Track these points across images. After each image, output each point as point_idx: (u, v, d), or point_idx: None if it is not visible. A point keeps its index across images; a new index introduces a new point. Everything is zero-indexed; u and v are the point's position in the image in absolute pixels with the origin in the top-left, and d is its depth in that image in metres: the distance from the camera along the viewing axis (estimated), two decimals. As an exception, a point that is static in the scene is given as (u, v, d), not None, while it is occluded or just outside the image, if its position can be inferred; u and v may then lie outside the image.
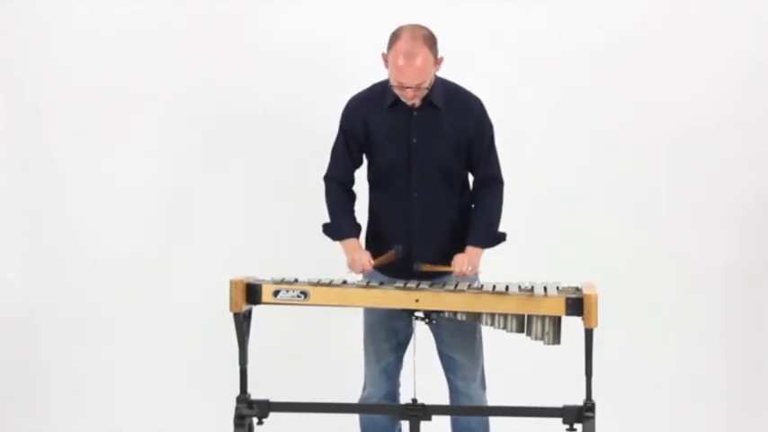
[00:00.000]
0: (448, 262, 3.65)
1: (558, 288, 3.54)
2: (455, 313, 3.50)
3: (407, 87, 3.50)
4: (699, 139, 4.71)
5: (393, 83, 3.54)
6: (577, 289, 3.53)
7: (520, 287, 3.53)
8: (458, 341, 3.74)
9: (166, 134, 4.77)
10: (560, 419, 3.50)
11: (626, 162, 4.72)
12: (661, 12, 4.68)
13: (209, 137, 4.77)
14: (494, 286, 3.51)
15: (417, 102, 3.59)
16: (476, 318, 3.49)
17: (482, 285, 3.52)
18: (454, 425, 3.88)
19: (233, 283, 3.55)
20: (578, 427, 3.48)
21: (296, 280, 3.58)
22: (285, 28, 4.74)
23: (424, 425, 3.69)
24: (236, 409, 3.59)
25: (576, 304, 3.42)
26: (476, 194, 3.74)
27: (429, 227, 3.67)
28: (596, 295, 3.40)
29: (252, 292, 3.55)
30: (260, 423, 3.64)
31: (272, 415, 3.62)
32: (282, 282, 3.57)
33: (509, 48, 4.68)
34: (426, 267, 3.61)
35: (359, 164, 3.77)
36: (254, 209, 4.79)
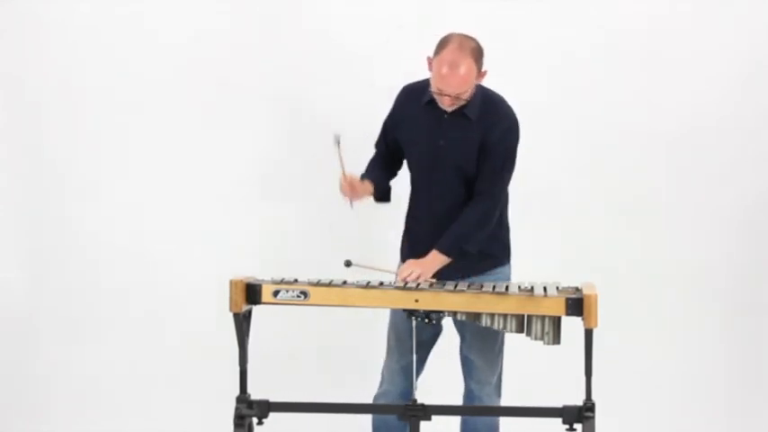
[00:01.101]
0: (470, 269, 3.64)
1: (557, 288, 3.54)
2: (455, 313, 3.50)
3: (447, 95, 3.51)
4: (699, 139, 4.71)
5: (433, 89, 3.55)
6: (577, 289, 3.53)
7: (520, 287, 3.53)
8: (478, 343, 3.73)
9: (166, 134, 4.77)
10: (560, 419, 3.50)
11: (626, 162, 4.72)
12: (661, 12, 4.68)
13: (210, 137, 4.77)
14: (494, 286, 3.51)
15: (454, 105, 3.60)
16: (476, 318, 3.49)
17: (482, 285, 3.53)
18: (463, 427, 3.88)
19: (233, 283, 3.55)
20: (578, 427, 3.48)
21: (296, 280, 3.58)
22: (290, 28, 4.74)
23: (431, 425, 3.72)
24: (236, 409, 3.59)
25: (576, 304, 3.42)
26: (466, 203, 3.66)
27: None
28: (596, 295, 3.40)
29: (252, 292, 3.55)
30: (260, 423, 3.64)
31: (272, 415, 3.62)
32: (282, 282, 3.57)
33: (509, 48, 4.68)
34: (349, 263, 3.58)
35: (393, 146, 3.78)
36: (255, 209, 4.78)
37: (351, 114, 4.66)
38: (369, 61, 4.69)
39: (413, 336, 3.68)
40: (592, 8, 4.69)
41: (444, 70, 3.49)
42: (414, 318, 3.54)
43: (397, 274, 3.58)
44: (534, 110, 4.66)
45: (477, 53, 3.54)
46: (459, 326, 3.74)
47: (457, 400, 3.88)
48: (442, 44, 3.54)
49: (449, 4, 4.65)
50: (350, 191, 3.66)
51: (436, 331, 3.79)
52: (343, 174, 3.64)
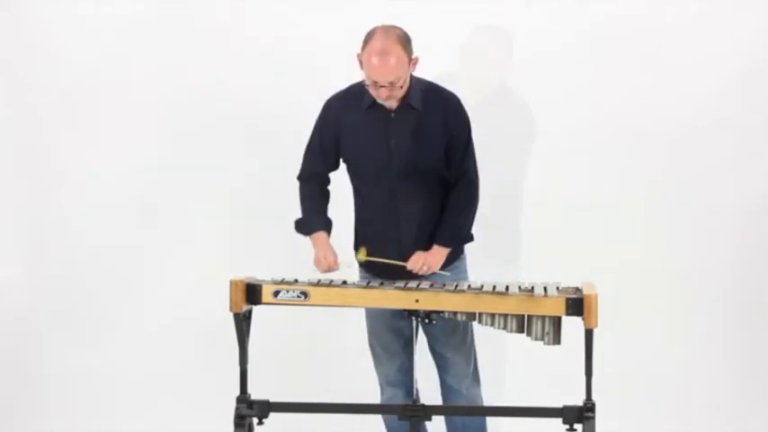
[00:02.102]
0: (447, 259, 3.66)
1: (558, 288, 3.53)
2: (455, 313, 3.50)
3: (381, 86, 3.50)
4: (699, 139, 4.71)
5: (367, 81, 3.54)
6: (577, 289, 3.53)
7: (520, 287, 3.53)
8: (451, 340, 3.73)
9: (166, 134, 4.77)
10: (560, 419, 3.50)
11: (626, 162, 4.72)
12: (660, 12, 4.68)
13: (209, 137, 4.77)
14: (494, 286, 3.51)
15: (394, 103, 3.58)
16: (476, 318, 3.49)
17: (482, 285, 3.52)
18: (448, 424, 3.88)
19: (233, 284, 3.55)
20: (578, 427, 3.47)
21: (296, 280, 3.58)
22: (291, 28, 4.74)
23: (431, 425, 3.73)
24: (236, 409, 3.59)
25: (576, 304, 3.42)
26: (450, 192, 3.69)
27: (417, 228, 3.66)
28: (596, 295, 3.40)
29: (252, 293, 3.55)
30: (260, 423, 3.63)
31: (272, 415, 3.62)
32: (282, 282, 3.57)
33: (509, 48, 4.67)
34: (363, 257, 3.61)
35: (333, 165, 3.76)
36: (255, 209, 4.79)
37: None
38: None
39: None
40: (591, 8, 4.69)
41: (374, 60, 3.48)
42: (414, 318, 3.54)
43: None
44: (534, 110, 4.68)
45: (404, 40, 3.53)
46: (426, 326, 3.72)
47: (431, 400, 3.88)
48: (368, 37, 3.54)
49: (443, 4, 4.66)
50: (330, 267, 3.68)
51: (411, 329, 3.77)
52: (337, 264, 3.66)
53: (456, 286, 3.51)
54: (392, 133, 3.62)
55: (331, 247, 3.69)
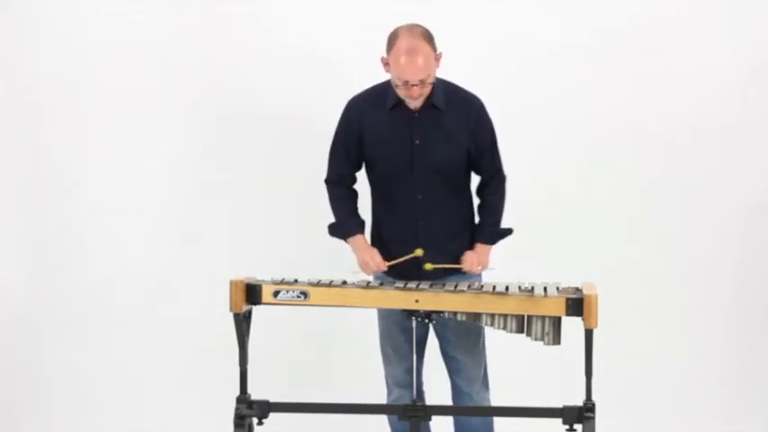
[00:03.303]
0: (455, 262, 3.68)
1: (558, 288, 3.54)
2: (455, 313, 3.50)
3: (413, 85, 3.51)
4: (699, 139, 4.71)
5: (397, 82, 3.54)
6: (577, 289, 3.53)
7: (520, 287, 3.53)
8: (462, 342, 3.75)
9: (166, 134, 4.77)
10: (560, 420, 3.50)
11: (626, 162, 4.72)
12: (661, 12, 4.68)
13: (209, 137, 4.77)
14: (494, 286, 3.51)
15: (418, 103, 3.59)
16: (476, 318, 3.49)
17: (482, 285, 3.53)
18: (457, 427, 3.88)
19: (233, 284, 3.55)
20: (578, 427, 3.48)
21: (296, 280, 3.58)
22: (291, 28, 4.73)
23: (431, 425, 3.73)
24: (236, 409, 3.59)
25: (576, 304, 3.42)
26: (481, 192, 3.78)
27: (434, 228, 3.67)
28: (596, 295, 3.40)
29: (252, 293, 3.55)
30: (260, 423, 3.64)
31: (272, 415, 3.62)
32: (282, 282, 3.57)
33: (508, 48, 4.68)
34: (431, 266, 3.63)
35: (358, 165, 3.78)
36: (254, 209, 4.79)
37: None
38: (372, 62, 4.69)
39: (413, 336, 3.69)
40: (591, 7, 4.69)
41: (403, 59, 3.49)
42: (414, 318, 3.54)
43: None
44: (534, 110, 4.69)
45: (429, 36, 3.55)
46: (440, 327, 3.74)
47: (447, 399, 3.88)
48: (393, 37, 3.55)
49: (448, 4, 4.66)
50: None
51: (426, 330, 3.80)
52: (385, 265, 3.65)
53: (456, 286, 3.52)
54: (416, 133, 3.63)
55: (373, 249, 3.68)
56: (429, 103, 3.61)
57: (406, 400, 3.74)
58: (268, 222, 4.78)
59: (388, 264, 3.65)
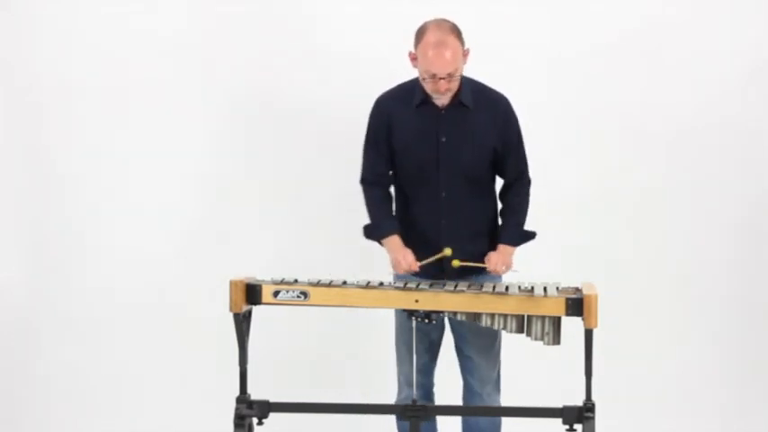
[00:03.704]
0: (478, 261, 3.68)
1: (557, 288, 3.54)
2: (455, 313, 3.50)
3: (441, 78, 3.50)
4: (699, 139, 4.70)
5: (424, 76, 3.54)
6: (577, 289, 3.53)
7: (520, 287, 3.53)
8: (478, 341, 3.74)
9: (165, 134, 4.76)
10: (560, 420, 3.50)
11: (626, 162, 4.72)
12: (660, 11, 4.68)
13: (208, 137, 4.77)
14: (494, 286, 3.52)
15: (446, 100, 3.59)
16: (476, 318, 3.49)
17: (482, 285, 3.53)
18: (465, 427, 3.89)
19: (233, 284, 3.55)
20: (578, 427, 3.48)
21: (296, 280, 3.58)
22: (314, 27, 4.73)
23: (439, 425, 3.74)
24: (236, 409, 3.59)
25: (576, 304, 3.42)
26: (505, 194, 3.77)
27: (457, 227, 3.67)
28: (596, 295, 3.40)
29: (252, 293, 3.55)
30: (260, 423, 3.64)
31: (272, 415, 3.62)
32: (282, 282, 3.57)
33: (509, 49, 4.68)
34: (458, 263, 3.62)
35: (391, 163, 3.74)
36: (255, 209, 4.78)
37: (354, 116, 4.67)
38: (368, 64, 4.69)
39: (413, 336, 3.70)
40: (591, 7, 4.69)
41: (431, 53, 3.50)
42: (414, 318, 3.54)
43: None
44: (534, 109, 4.67)
45: (457, 31, 3.56)
46: (458, 325, 3.75)
47: (457, 399, 3.88)
48: (421, 31, 3.56)
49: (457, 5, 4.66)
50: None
51: (442, 330, 3.80)
52: (417, 264, 3.63)
53: (456, 286, 3.52)
54: (443, 130, 3.63)
55: (407, 249, 3.66)
56: (456, 100, 3.61)
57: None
58: (268, 222, 4.78)
59: (419, 263, 3.63)
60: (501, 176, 3.77)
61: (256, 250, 4.71)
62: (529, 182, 3.77)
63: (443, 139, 3.63)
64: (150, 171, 4.77)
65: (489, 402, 3.78)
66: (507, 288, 3.51)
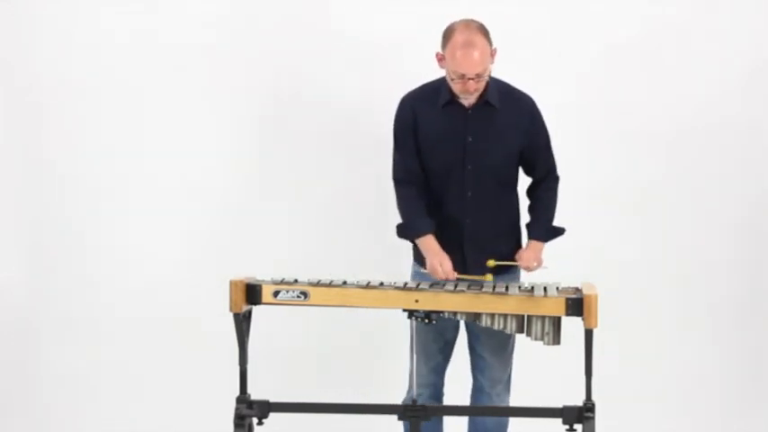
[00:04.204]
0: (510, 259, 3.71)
1: (557, 288, 3.54)
2: (455, 313, 3.50)
3: (469, 79, 3.50)
4: (699, 139, 4.70)
5: (452, 76, 3.54)
6: (577, 289, 3.53)
7: (520, 287, 3.53)
8: (492, 341, 3.74)
9: (164, 134, 4.76)
10: (560, 420, 3.50)
11: (626, 162, 4.72)
12: (661, 12, 4.68)
13: (208, 137, 4.77)
14: (494, 286, 3.52)
15: (474, 99, 3.59)
16: (476, 318, 3.49)
17: (482, 285, 3.53)
18: (471, 425, 3.89)
19: (233, 284, 3.55)
20: (578, 427, 3.48)
21: (296, 280, 3.58)
22: (327, 26, 4.72)
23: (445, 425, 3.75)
24: (236, 409, 3.59)
25: (576, 304, 3.42)
26: (533, 190, 3.79)
27: (481, 227, 3.68)
28: (596, 295, 3.40)
29: (252, 293, 3.55)
30: (260, 423, 3.63)
31: (272, 415, 3.62)
32: (282, 282, 3.57)
33: (509, 47, 4.67)
34: (493, 262, 3.63)
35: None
36: (254, 209, 4.78)
37: (354, 115, 4.68)
38: (375, 61, 4.69)
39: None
40: (590, 8, 4.69)
41: (460, 53, 3.50)
42: (414, 318, 3.54)
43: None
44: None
45: (485, 30, 3.56)
46: (472, 324, 3.74)
47: (457, 399, 3.88)
48: (449, 32, 3.56)
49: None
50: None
51: (457, 329, 3.81)
52: (455, 274, 3.61)
53: (456, 286, 3.51)
54: (469, 130, 3.63)
55: (444, 255, 3.63)
56: (483, 100, 3.62)
57: (424, 399, 3.76)
58: (268, 222, 4.78)
59: (458, 276, 3.60)
60: (529, 175, 3.79)
61: (256, 250, 4.71)
62: (557, 179, 3.79)
63: (470, 139, 3.63)
64: (150, 171, 4.76)
65: (498, 402, 3.79)
66: (507, 288, 3.51)
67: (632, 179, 4.72)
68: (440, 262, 3.60)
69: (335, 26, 4.71)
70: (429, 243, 3.65)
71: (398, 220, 3.78)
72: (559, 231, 3.77)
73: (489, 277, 3.61)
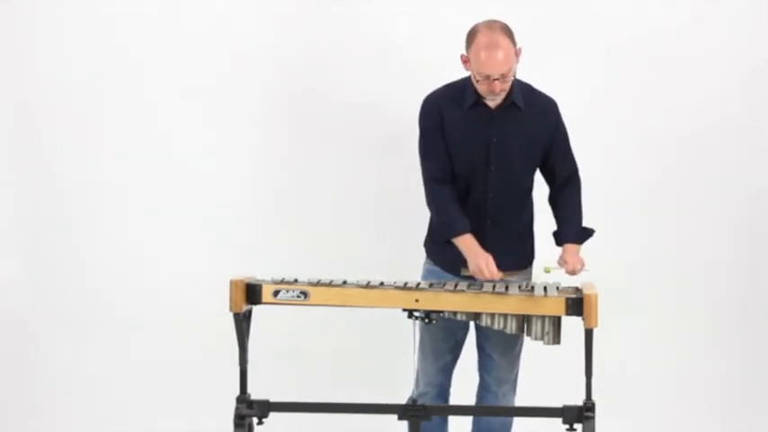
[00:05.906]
0: (518, 264, 3.70)
1: (557, 288, 3.54)
2: (455, 313, 3.50)
3: (495, 79, 3.49)
4: (701, 139, 4.71)
5: (478, 77, 3.53)
6: (577, 289, 3.53)
7: (520, 287, 3.53)
8: (500, 341, 3.74)
9: (164, 134, 4.76)
10: (560, 419, 3.50)
11: (626, 162, 4.72)
12: (661, 12, 4.68)
13: (207, 137, 4.77)
14: (494, 286, 3.51)
15: (500, 100, 3.58)
16: (476, 318, 3.49)
17: (482, 285, 3.53)
18: (475, 425, 3.89)
19: (233, 283, 3.55)
20: (578, 427, 3.48)
21: (296, 280, 3.57)
22: (346, 25, 4.72)
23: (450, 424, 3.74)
24: (236, 409, 3.59)
25: (576, 304, 3.42)
26: (558, 195, 3.75)
27: (502, 228, 3.67)
28: (596, 295, 3.40)
29: (252, 292, 3.55)
30: (260, 423, 3.63)
31: (272, 415, 3.62)
32: (282, 282, 3.57)
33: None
34: (549, 269, 3.63)
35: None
36: (255, 209, 4.78)
37: (354, 115, 4.68)
38: (386, 62, 4.69)
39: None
40: (593, 8, 4.69)
41: (484, 54, 3.49)
42: (414, 318, 3.54)
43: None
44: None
45: (508, 31, 3.55)
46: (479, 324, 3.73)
47: (461, 398, 3.88)
48: (473, 33, 3.54)
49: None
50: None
51: (467, 329, 3.80)
52: (500, 275, 3.59)
53: (456, 286, 3.51)
54: (494, 131, 3.62)
55: (487, 255, 3.58)
56: (509, 101, 3.61)
57: (430, 398, 3.76)
58: (268, 222, 4.78)
59: (502, 277, 3.58)
60: (550, 180, 3.76)
61: (256, 250, 4.71)
62: (580, 180, 3.77)
63: (494, 140, 3.62)
64: (150, 171, 4.77)
65: (504, 402, 3.79)
66: (507, 288, 3.51)
67: (632, 179, 4.72)
68: (485, 262, 3.57)
69: (336, 26, 4.71)
70: (469, 243, 3.61)
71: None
72: (590, 233, 3.75)
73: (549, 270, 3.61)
